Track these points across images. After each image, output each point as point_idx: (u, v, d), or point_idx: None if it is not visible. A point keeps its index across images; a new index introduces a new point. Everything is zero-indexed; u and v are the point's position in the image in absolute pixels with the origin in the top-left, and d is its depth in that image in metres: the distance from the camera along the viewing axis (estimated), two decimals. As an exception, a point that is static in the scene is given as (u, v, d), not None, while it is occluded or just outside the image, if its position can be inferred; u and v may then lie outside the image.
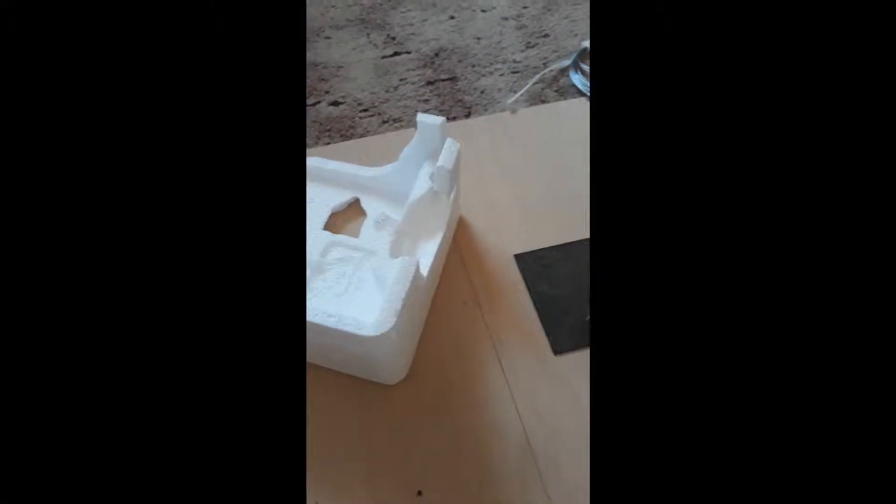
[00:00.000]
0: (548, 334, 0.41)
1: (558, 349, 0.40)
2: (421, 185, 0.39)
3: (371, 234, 0.41)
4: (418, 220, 0.40)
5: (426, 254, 0.38)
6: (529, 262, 0.45)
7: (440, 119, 0.40)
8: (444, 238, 0.41)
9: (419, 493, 0.35)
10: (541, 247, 0.46)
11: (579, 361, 0.40)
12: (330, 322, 0.30)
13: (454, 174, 0.39)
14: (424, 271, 0.36)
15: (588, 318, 0.40)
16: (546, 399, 0.38)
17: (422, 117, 0.40)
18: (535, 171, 0.51)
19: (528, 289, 0.44)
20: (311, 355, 0.37)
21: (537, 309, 0.42)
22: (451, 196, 0.41)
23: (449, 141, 0.39)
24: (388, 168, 0.45)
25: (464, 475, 0.35)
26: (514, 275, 0.45)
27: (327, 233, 0.40)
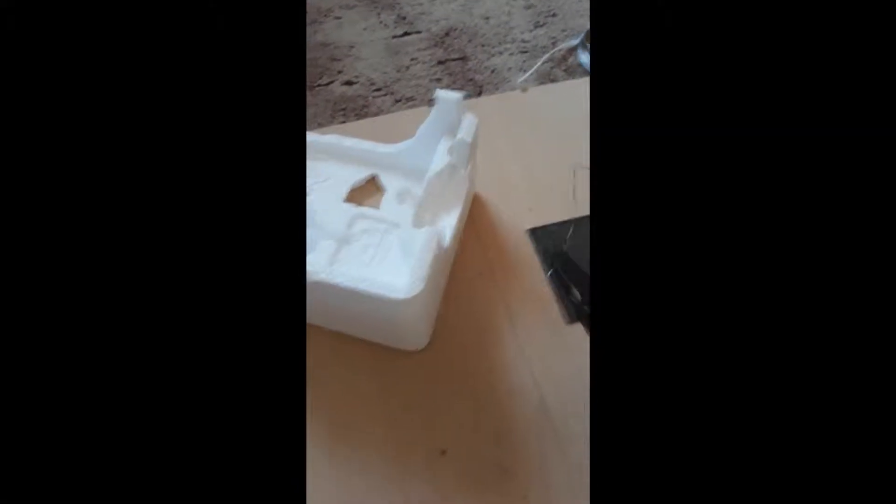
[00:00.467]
0: (560, 304, 0.43)
1: (571, 318, 0.42)
2: (439, 159, 0.41)
3: (393, 208, 0.43)
4: (437, 193, 0.41)
5: (445, 226, 0.40)
6: (542, 236, 0.47)
7: (459, 94, 0.41)
8: (461, 212, 0.42)
9: (443, 452, 0.37)
10: (551, 222, 0.47)
11: (592, 329, 0.41)
12: (362, 286, 0.32)
13: (473, 148, 0.41)
14: (444, 243, 0.38)
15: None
16: (560, 365, 0.40)
17: (441, 93, 0.41)
18: (546, 149, 0.53)
19: (541, 261, 0.45)
20: (337, 323, 0.39)
21: (550, 280, 0.44)
22: (468, 170, 0.42)
23: (468, 115, 0.41)
24: (405, 144, 0.46)
25: (484, 435, 0.37)
26: (527, 248, 0.46)
27: (352, 205, 0.41)
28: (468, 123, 0.40)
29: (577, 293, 0.42)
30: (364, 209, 0.41)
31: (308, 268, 0.34)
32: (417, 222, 0.39)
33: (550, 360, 0.40)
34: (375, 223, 0.40)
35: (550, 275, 0.44)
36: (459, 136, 0.39)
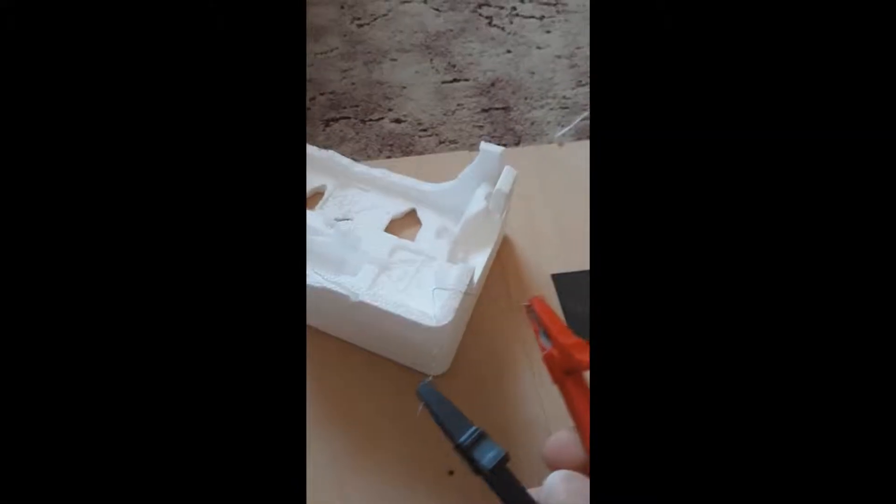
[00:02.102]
0: (576, 348, 0.46)
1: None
2: (477, 203, 0.45)
3: (430, 241, 0.47)
4: (472, 233, 0.45)
5: (476, 264, 0.44)
6: (565, 282, 0.50)
7: (500, 149, 0.45)
8: (491, 252, 0.46)
9: (451, 472, 0.39)
10: (577, 269, 0.51)
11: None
12: (398, 310, 0.36)
13: (509, 197, 0.45)
14: (475, 279, 0.41)
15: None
16: (570, 404, 0.43)
17: (485, 146, 0.45)
18: (576, 201, 0.56)
19: (562, 306, 0.48)
20: (370, 342, 0.43)
21: (569, 324, 0.47)
22: (503, 216, 0.46)
23: (507, 168, 0.45)
24: (447, 185, 0.50)
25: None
26: (549, 292, 0.50)
27: (393, 236, 0.45)
28: (507, 175, 0.44)
29: None
30: (404, 241, 0.45)
31: (351, 289, 0.37)
32: (451, 258, 0.43)
33: (562, 399, 0.43)
34: (414, 255, 0.44)
35: (569, 320, 0.47)
36: (499, 186, 0.43)
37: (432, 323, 0.35)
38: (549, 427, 0.42)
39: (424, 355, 0.39)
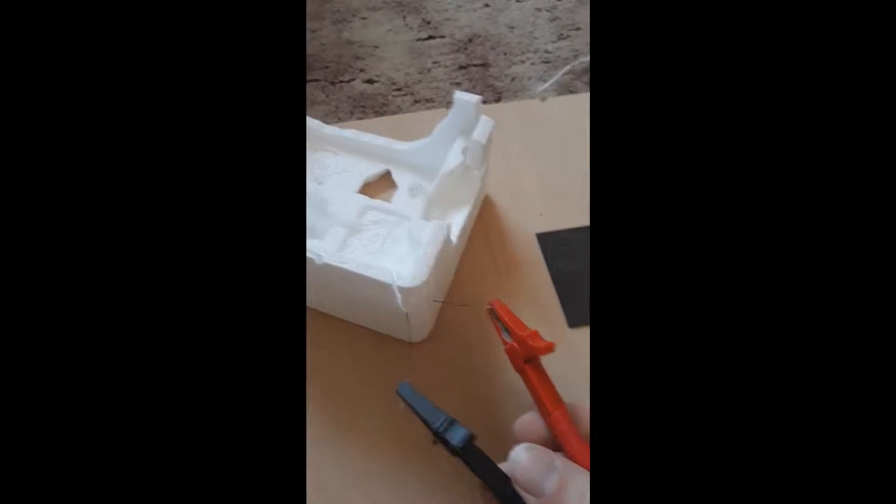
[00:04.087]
0: (564, 308, 0.43)
1: (573, 322, 0.42)
2: (453, 158, 0.42)
3: (404, 201, 0.44)
4: (449, 191, 0.42)
5: (454, 223, 0.41)
6: (550, 242, 0.47)
7: (476, 97, 0.42)
8: (471, 211, 0.43)
9: (434, 441, 0.37)
10: (562, 228, 0.48)
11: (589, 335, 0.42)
12: (367, 272, 0.33)
13: (486, 150, 0.42)
14: (453, 238, 0.39)
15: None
16: (558, 367, 0.41)
17: (459, 95, 0.42)
18: (560, 157, 0.53)
19: (548, 265, 0.46)
20: (342, 310, 0.40)
21: (555, 284, 0.45)
22: (481, 172, 0.43)
23: (484, 118, 0.41)
24: (420, 142, 0.47)
25: (476, 427, 0.38)
26: (534, 252, 0.47)
27: (364, 196, 0.42)
28: (484, 125, 0.41)
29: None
30: (375, 201, 0.42)
31: (317, 252, 0.34)
32: (427, 216, 0.40)
33: (548, 361, 0.41)
34: (385, 215, 0.41)
35: (555, 278, 0.45)
36: (474, 137, 0.40)
37: (405, 283, 0.32)
38: (537, 392, 0.40)
39: (400, 319, 0.36)
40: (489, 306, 0.35)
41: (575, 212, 0.49)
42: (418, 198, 0.43)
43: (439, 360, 0.41)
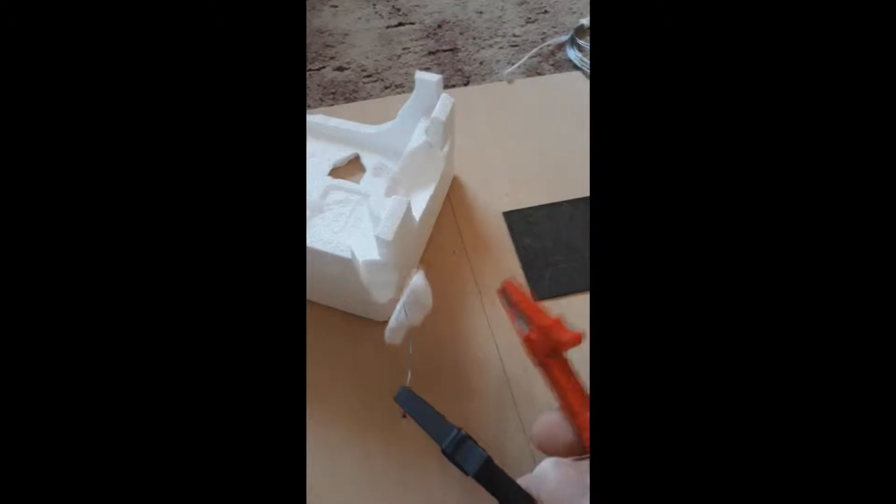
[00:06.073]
0: (529, 283, 0.44)
1: (539, 296, 0.43)
2: (417, 137, 0.42)
3: (369, 181, 0.44)
4: (413, 170, 0.42)
5: (419, 201, 0.41)
6: (516, 219, 0.48)
7: (437, 76, 0.42)
8: (436, 190, 0.44)
9: (404, 415, 0.38)
10: (528, 206, 0.49)
11: (557, 308, 0.43)
12: (327, 248, 0.33)
13: (448, 127, 0.42)
14: (417, 215, 0.39)
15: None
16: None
17: (420, 75, 0.43)
18: (527, 138, 0.54)
19: (514, 242, 0.47)
20: (311, 291, 0.40)
21: (521, 260, 0.45)
22: (445, 150, 0.44)
23: (444, 96, 0.42)
24: (386, 125, 0.48)
25: (445, 401, 0.38)
26: (501, 230, 0.48)
27: (328, 178, 0.42)
28: (443, 103, 0.42)
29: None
30: (339, 181, 0.42)
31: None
32: (390, 194, 0.40)
33: (515, 334, 0.42)
34: (349, 194, 0.41)
35: (521, 254, 0.45)
36: (434, 114, 0.41)
37: (364, 257, 0.33)
38: (502, 363, 0.40)
39: (364, 296, 0.37)
40: (500, 287, 0.30)
41: (540, 190, 0.50)
42: (382, 177, 0.43)
43: (410, 334, 0.41)
